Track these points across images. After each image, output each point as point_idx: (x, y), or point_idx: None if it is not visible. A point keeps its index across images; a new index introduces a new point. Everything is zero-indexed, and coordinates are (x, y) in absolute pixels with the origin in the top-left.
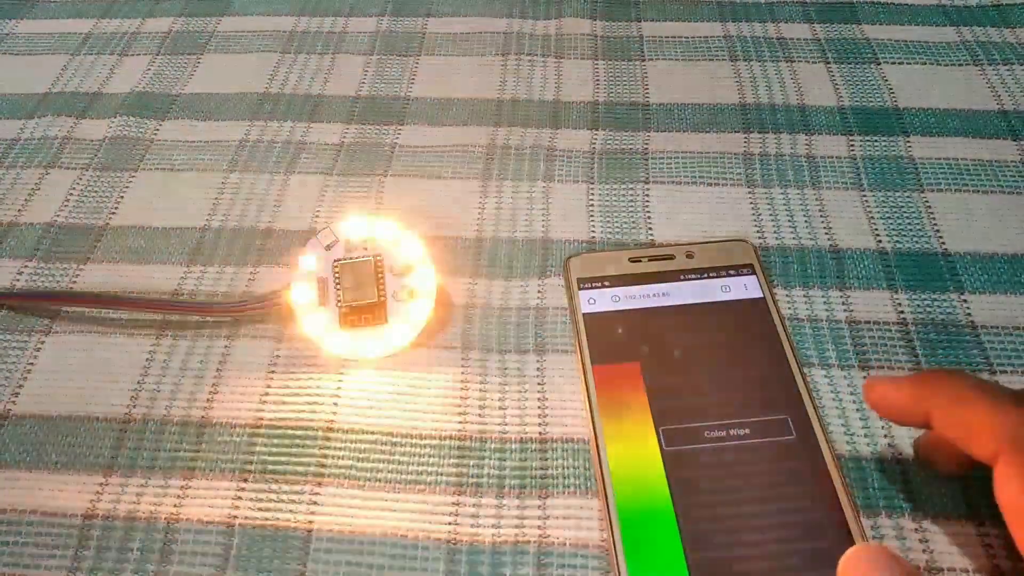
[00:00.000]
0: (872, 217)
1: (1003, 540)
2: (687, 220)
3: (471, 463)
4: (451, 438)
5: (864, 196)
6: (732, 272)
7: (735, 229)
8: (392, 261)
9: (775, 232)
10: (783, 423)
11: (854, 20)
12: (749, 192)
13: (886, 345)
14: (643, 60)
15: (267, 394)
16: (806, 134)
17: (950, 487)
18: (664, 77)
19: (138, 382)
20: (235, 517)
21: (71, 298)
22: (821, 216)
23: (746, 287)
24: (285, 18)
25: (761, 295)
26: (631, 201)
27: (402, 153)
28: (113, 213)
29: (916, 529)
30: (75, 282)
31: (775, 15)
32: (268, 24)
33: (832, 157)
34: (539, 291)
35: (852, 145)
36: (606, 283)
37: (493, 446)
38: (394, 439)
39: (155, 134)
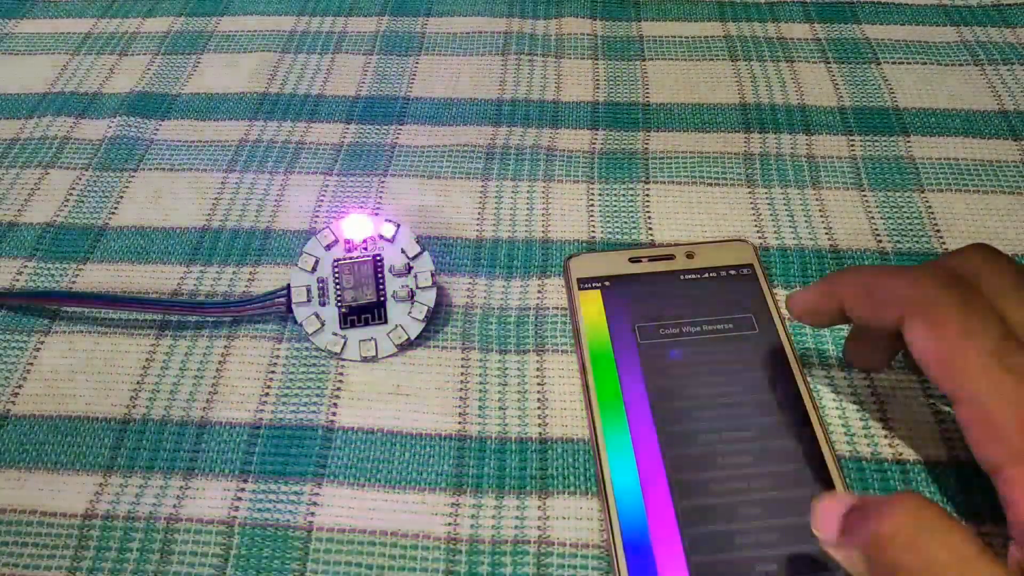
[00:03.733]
0: (872, 217)
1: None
2: (687, 220)
3: (471, 463)
4: (451, 438)
5: (864, 196)
6: (732, 272)
7: (735, 229)
8: (392, 261)
9: (775, 232)
10: (784, 429)
11: (854, 20)
12: (749, 192)
13: None
14: (643, 60)
15: (267, 394)
16: (806, 134)
17: (950, 489)
18: (664, 77)
19: (138, 382)
20: (235, 517)
21: (71, 298)
22: (821, 216)
23: (746, 287)
24: (285, 18)
25: (761, 295)
26: (631, 201)
27: (402, 153)
28: (113, 213)
29: None
30: (75, 282)
31: (775, 15)
32: (268, 24)
33: (832, 157)
34: (539, 291)
35: (852, 145)
36: (606, 283)
37: (493, 446)
38: (394, 439)
39: (155, 134)
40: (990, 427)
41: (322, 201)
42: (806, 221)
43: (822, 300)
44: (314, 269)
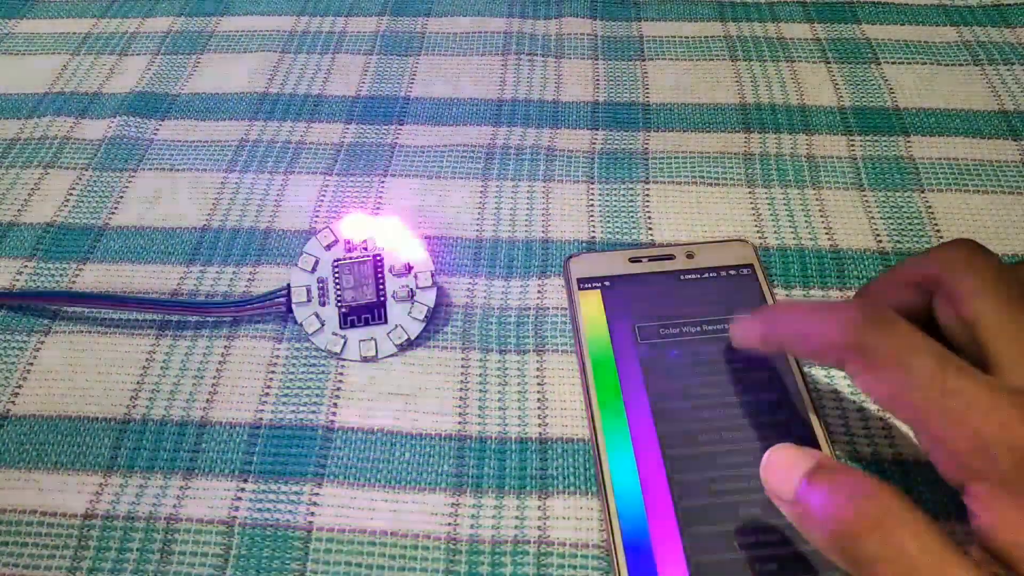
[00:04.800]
0: (872, 217)
1: None
2: (687, 220)
3: (471, 463)
4: (451, 438)
5: (864, 196)
6: (732, 272)
7: (735, 229)
8: (392, 261)
9: (775, 232)
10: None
11: (854, 20)
12: (749, 192)
13: None
14: (643, 60)
15: (267, 394)
16: (806, 134)
17: (949, 489)
18: (664, 77)
19: (138, 382)
20: (235, 517)
21: (71, 298)
22: (821, 216)
23: (746, 287)
24: (285, 18)
25: (761, 295)
26: (631, 201)
27: (402, 153)
28: (113, 213)
29: None
30: (75, 282)
31: (775, 15)
32: (268, 24)
33: (832, 157)
34: (539, 291)
35: (852, 145)
36: (606, 283)
37: (493, 446)
38: (394, 439)
39: (155, 134)
40: (946, 451)
41: (322, 201)
42: (806, 221)
43: (762, 343)
44: (314, 269)
